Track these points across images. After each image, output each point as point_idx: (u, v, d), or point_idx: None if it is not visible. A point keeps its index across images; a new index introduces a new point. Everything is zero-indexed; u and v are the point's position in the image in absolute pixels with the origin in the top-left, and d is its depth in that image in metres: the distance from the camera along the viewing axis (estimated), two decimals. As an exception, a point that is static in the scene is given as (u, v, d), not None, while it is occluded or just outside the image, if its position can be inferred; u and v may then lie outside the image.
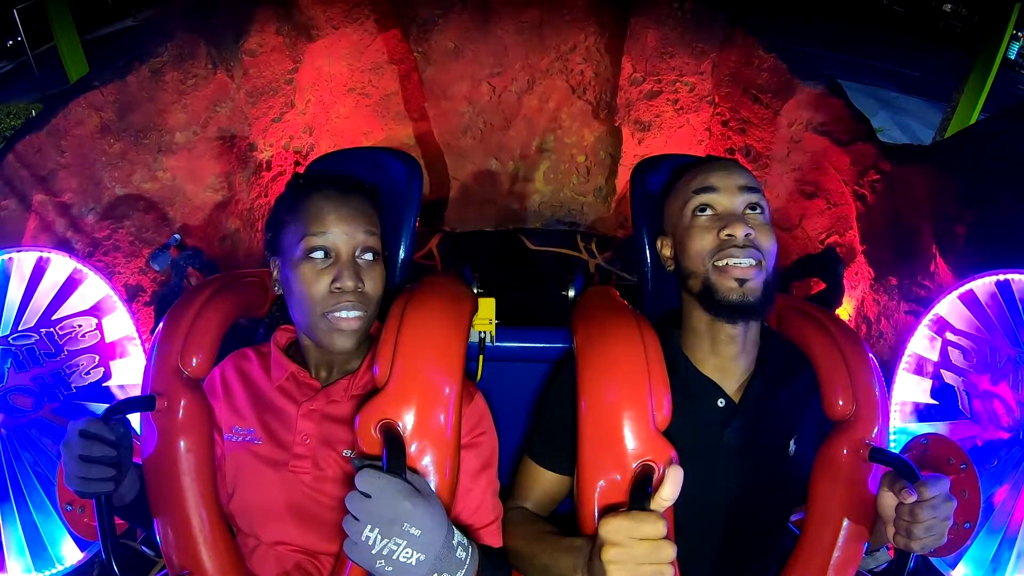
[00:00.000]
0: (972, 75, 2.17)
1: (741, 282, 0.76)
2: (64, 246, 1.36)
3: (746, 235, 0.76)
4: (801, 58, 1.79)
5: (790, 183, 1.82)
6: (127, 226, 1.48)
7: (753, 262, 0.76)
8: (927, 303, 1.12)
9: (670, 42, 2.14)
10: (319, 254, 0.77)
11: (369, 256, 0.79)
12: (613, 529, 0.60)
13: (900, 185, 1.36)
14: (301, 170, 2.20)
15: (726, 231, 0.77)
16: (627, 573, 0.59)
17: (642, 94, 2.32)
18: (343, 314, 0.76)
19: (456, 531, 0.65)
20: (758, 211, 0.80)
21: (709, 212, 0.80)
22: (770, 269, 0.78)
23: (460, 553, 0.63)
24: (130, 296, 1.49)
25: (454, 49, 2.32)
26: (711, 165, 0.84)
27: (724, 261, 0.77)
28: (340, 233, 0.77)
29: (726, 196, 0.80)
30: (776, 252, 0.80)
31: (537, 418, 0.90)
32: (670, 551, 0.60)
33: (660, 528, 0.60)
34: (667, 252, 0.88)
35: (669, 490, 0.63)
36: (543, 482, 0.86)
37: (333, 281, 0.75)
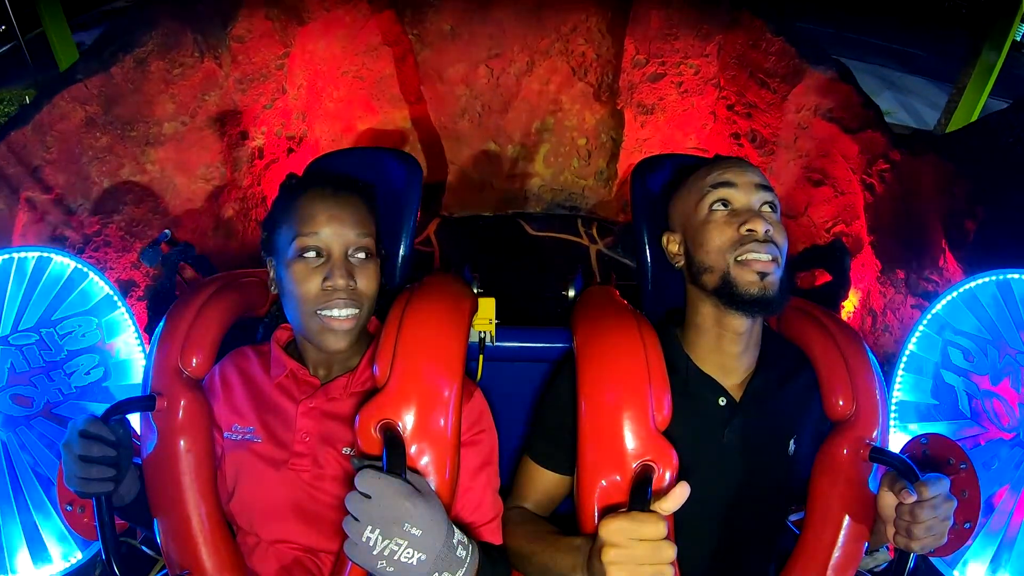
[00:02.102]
0: (981, 58, 2.11)
1: (762, 275, 0.76)
2: (54, 243, 1.34)
3: (766, 231, 0.76)
4: (810, 41, 1.73)
5: (796, 170, 1.79)
6: (117, 220, 1.46)
7: (772, 257, 0.76)
8: (934, 298, 1.11)
9: (674, 23, 2.08)
10: (311, 254, 0.76)
11: (362, 255, 0.78)
12: (613, 530, 0.61)
13: (910, 176, 1.33)
14: (295, 156, 2.18)
15: (747, 226, 0.77)
16: (627, 574, 0.59)
17: (645, 76, 2.26)
18: (335, 312, 0.75)
19: (456, 530, 0.65)
20: (773, 210, 0.80)
21: (727, 207, 0.80)
22: (783, 267, 0.78)
23: (460, 552, 0.64)
24: (123, 291, 1.48)
25: (450, 30, 2.26)
26: (726, 162, 0.83)
27: (745, 255, 0.76)
28: (331, 233, 0.76)
29: (744, 192, 0.79)
30: (787, 251, 0.80)
31: (537, 418, 0.90)
32: (670, 552, 0.60)
33: (660, 529, 0.60)
34: (674, 248, 0.86)
35: (670, 504, 0.63)
36: (543, 482, 0.86)
37: (325, 279, 0.75)
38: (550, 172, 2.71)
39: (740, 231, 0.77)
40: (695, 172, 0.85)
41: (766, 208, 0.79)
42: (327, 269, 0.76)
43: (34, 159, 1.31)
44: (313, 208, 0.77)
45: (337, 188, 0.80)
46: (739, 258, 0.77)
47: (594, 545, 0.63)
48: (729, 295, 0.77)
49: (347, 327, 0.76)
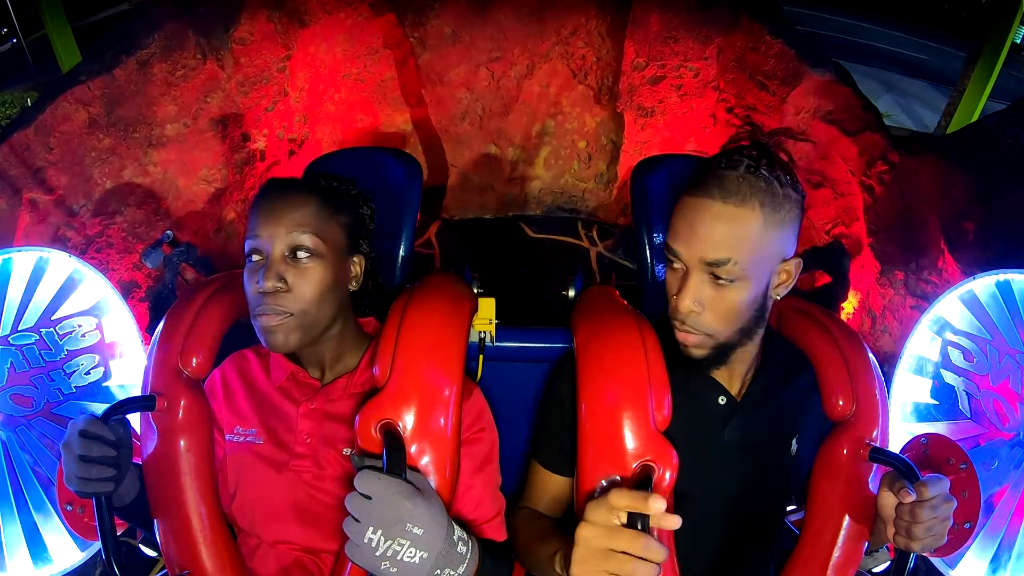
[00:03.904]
0: (980, 60, 2.12)
1: (684, 345, 0.76)
2: (56, 244, 1.35)
3: (688, 312, 0.74)
4: (809, 44, 1.74)
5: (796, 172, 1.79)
6: (119, 222, 1.47)
7: (692, 332, 0.75)
8: (933, 298, 1.11)
9: (674, 26, 2.09)
10: (255, 256, 0.76)
11: (303, 254, 0.76)
12: (587, 535, 0.60)
13: (909, 177, 1.34)
14: (296, 159, 2.19)
15: (675, 298, 0.75)
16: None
17: (645, 79, 2.27)
18: (264, 316, 0.75)
19: (456, 526, 0.66)
20: (721, 282, 0.72)
21: (675, 268, 0.76)
22: (724, 337, 0.76)
23: (461, 548, 0.65)
24: (124, 293, 1.48)
25: (451, 34, 2.27)
26: (694, 205, 0.73)
27: (674, 323, 0.77)
28: (266, 235, 0.75)
29: (689, 265, 0.73)
30: (735, 321, 0.75)
31: (540, 422, 0.90)
32: (660, 554, 0.59)
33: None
34: None
35: (657, 521, 0.62)
36: (552, 486, 0.86)
37: (257, 283, 0.74)
38: (550, 175, 2.71)
39: (672, 301, 0.75)
40: (682, 194, 0.78)
41: (706, 282, 0.73)
42: (260, 273, 0.75)
43: (37, 160, 1.31)
44: (257, 210, 0.77)
45: (283, 187, 0.79)
46: (673, 322, 0.77)
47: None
48: (676, 345, 0.78)
49: (276, 324, 0.74)
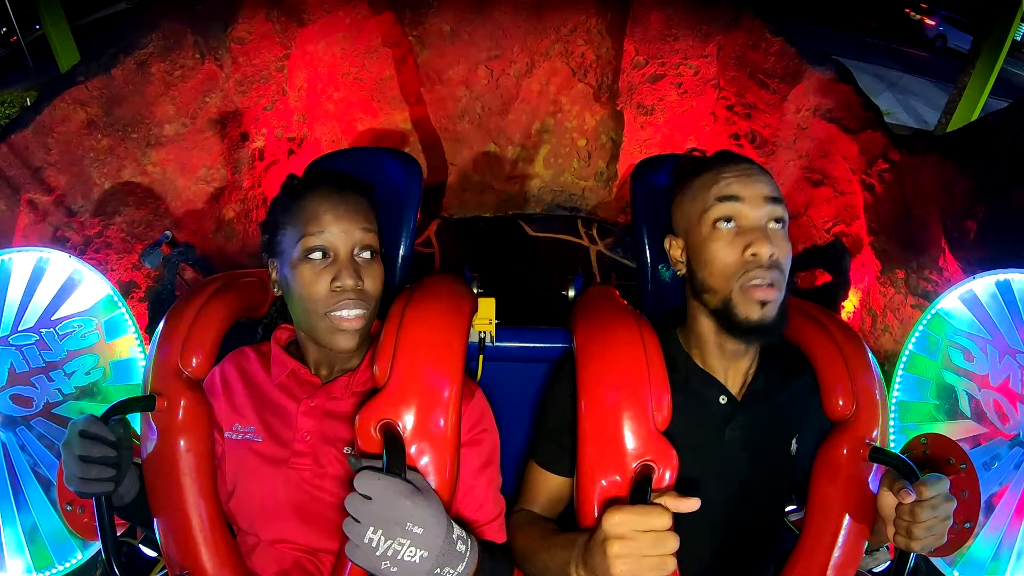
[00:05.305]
0: (980, 58, 2.12)
1: (763, 304, 0.73)
2: (55, 244, 1.35)
3: (771, 255, 0.72)
4: (809, 41, 1.73)
5: (796, 170, 1.79)
6: (118, 222, 1.47)
7: (773, 283, 0.73)
8: (934, 297, 1.11)
9: (674, 24, 2.08)
10: (317, 254, 0.76)
11: (367, 254, 0.79)
12: (616, 522, 0.60)
13: (910, 175, 1.33)
14: (295, 158, 2.18)
15: (751, 250, 0.72)
16: (631, 565, 0.59)
17: (645, 77, 2.27)
18: (344, 313, 0.76)
19: (455, 525, 0.65)
20: (780, 225, 0.74)
21: (732, 225, 0.74)
22: (785, 288, 0.75)
23: (460, 546, 0.64)
24: (123, 293, 1.48)
25: (450, 32, 2.27)
26: (734, 167, 0.76)
27: (750, 282, 0.73)
28: (338, 232, 0.76)
29: (751, 207, 0.73)
30: (790, 266, 0.76)
31: (539, 422, 0.90)
32: (673, 542, 0.60)
33: (666, 520, 0.60)
34: (677, 254, 0.83)
35: (674, 504, 0.62)
36: (550, 486, 0.86)
37: (333, 280, 0.75)
38: (550, 173, 2.71)
39: (744, 255, 0.73)
40: (700, 174, 0.79)
41: (773, 225, 0.73)
42: (335, 270, 0.76)
43: (35, 160, 1.31)
44: (318, 208, 0.77)
45: (340, 187, 0.80)
46: (742, 284, 0.73)
47: (593, 538, 0.63)
48: (728, 320, 0.75)
49: (357, 326, 0.76)
